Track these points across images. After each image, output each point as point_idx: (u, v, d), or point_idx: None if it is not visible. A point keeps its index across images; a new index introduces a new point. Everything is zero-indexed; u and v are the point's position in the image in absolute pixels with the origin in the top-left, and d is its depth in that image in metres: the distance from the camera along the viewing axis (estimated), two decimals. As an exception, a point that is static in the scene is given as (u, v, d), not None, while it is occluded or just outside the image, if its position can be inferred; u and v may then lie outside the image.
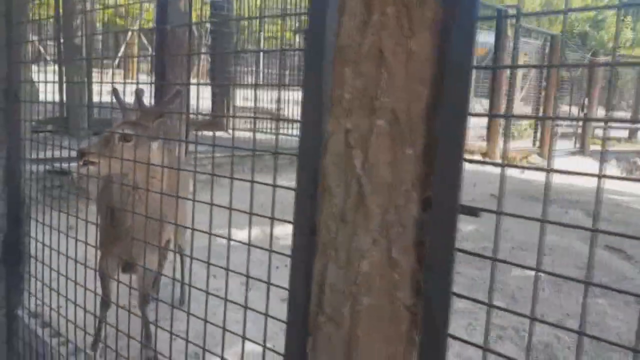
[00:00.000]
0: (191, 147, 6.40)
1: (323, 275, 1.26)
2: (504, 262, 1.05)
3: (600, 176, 0.92)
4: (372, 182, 1.14)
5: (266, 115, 9.46)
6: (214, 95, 9.60)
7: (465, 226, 6.18)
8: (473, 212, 1.10)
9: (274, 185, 1.51)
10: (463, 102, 1.04)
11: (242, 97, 10.78)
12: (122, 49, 12.64)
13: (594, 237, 0.95)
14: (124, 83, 2.52)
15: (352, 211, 1.17)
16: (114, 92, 2.55)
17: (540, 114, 13.82)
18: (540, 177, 10.24)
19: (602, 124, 15.58)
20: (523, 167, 1.04)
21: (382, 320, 1.17)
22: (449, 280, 1.10)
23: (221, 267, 1.71)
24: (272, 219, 1.52)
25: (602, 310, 4.09)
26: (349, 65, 1.13)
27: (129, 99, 2.79)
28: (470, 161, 1.10)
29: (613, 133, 16.74)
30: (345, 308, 1.20)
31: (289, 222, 1.42)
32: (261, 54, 10.38)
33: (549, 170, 0.99)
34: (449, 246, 1.09)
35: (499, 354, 1.11)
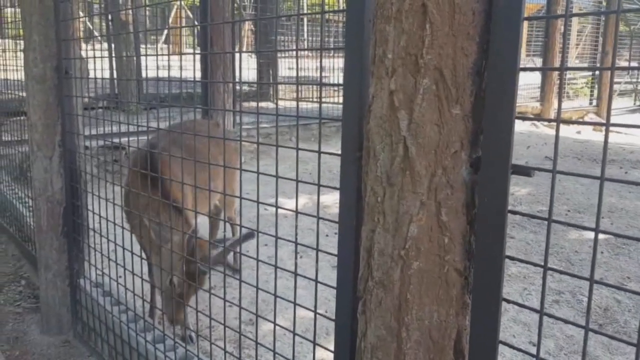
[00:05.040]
0: (238, 119, 6.45)
1: (371, 240, 1.24)
2: (559, 222, 1.01)
3: (665, 128, 0.86)
4: (419, 143, 1.10)
5: (310, 82, 9.43)
6: (259, 65, 9.61)
7: (519, 189, 6.03)
8: (526, 171, 1.05)
9: (319, 152, 1.49)
10: (513, 55, 0.99)
11: (287, 67, 10.75)
12: (169, 22, 12.77)
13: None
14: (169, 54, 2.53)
15: (398, 174, 1.15)
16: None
17: (597, 73, 13.19)
18: (597, 137, 9.85)
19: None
20: (578, 122, 0.98)
21: (433, 284, 1.15)
22: (501, 243, 1.07)
23: (271, 235, 1.72)
24: (319, 185, 1.51)
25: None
26: (391, 22, 1.09)
27: (177, 72, 2.81)
28: (523, 118, 1.05)
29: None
30: (394, 272, 1.19)
31: (336, 188, 1.41)
32: (305, 21, 10.29)
33: (607, 125, 0.93)
34: (501, 208, 1.06)
35: (557, 318, 1.07)
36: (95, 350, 2.88)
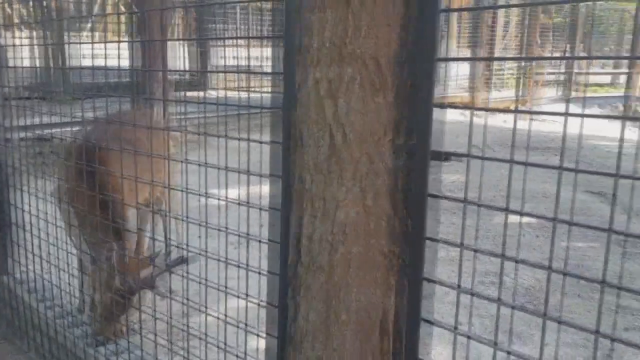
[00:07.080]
0: (170, 109, 6.32)
1: (300, 227, 1.27)
2: (473, 203, 1.07)
3: (566, 114, 0.92)
4: (344, 131, 1.13)
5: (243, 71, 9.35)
6: (189, 53, 9.43)
7: (449, 177, 6.23)
8: (444, 157, 1.10)
9: (249, 140, 1.50)
10: (431, 46, 1.03)
11: (219, 56, 10.60)
12: (95, 9, 12.29)
13: (560, 176, 0.96)
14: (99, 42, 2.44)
15: (325, 162, 1.17)
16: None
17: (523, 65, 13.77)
18: (524, 125, 10.28)
19: (584, 70, 15.51)
20: (502, 111, 1.03)
21: (360, 267, 1.19)
22: (423, 225, 1.12)
23: (199, 224, 1.71)
24: (248, 174, 1.52)
25: (582, 253, 4.19)
26: (315, 11, 1.11)
27: (108, 61, 2.70)
28: (440, 106, 1.10)
29: (596, 79, 16.80)
30: (323, 257, 1.22)
31: (264, 175, 1.42)
32: (237, 9, 10.17)
33: (519, 112, 0.99)
34: (422, 192, 1.10)
35: (473, 294, 1.13)
36: (22, 349, 2.77)
